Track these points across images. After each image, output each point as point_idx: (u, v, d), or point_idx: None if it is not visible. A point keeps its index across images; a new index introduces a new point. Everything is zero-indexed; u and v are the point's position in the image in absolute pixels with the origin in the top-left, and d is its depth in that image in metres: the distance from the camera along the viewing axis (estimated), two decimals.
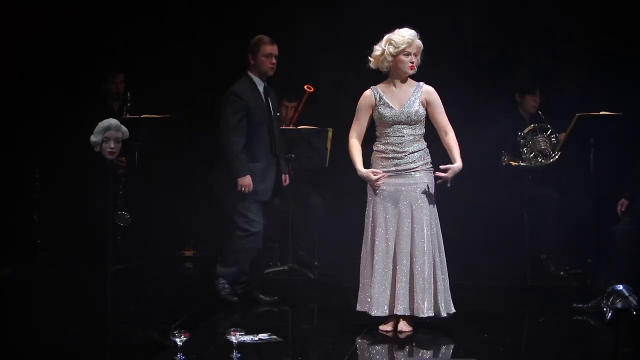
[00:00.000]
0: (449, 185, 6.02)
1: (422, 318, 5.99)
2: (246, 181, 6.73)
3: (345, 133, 6.22)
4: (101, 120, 5.72)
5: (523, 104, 8.22)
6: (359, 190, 6.28)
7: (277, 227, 7.99)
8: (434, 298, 6.00)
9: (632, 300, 6.37)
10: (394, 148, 6.05)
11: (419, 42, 6.03)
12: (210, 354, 5.61)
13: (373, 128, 6.17)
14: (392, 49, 5.99)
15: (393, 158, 6.05)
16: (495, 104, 8.18)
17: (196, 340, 5.59)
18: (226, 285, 6.87)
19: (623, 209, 6.85)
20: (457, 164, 6.01)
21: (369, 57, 6.08)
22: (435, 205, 6.09)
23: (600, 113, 7.16)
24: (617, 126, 7.06)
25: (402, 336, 6.02)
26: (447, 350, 5.90)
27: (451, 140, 6.08)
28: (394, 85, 6.10)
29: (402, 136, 6.05)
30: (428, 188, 6.05)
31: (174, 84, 8.77)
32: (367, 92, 6.13)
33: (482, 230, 8.34)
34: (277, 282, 7.60)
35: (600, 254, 6.79)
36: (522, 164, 8.00)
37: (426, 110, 6.09)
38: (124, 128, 5.73)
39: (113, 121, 5.71)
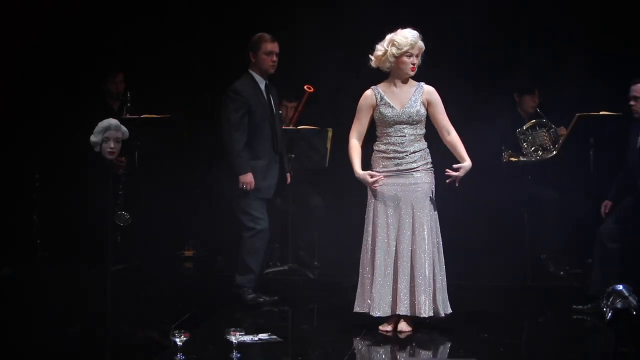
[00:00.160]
0: (457, 184, 6.02)
1: (422, 318, 5.99)
2: (248, 178, 6.73)
3: (345, 133, 6.22)
4: (101, 120, 5.71)
5: (522, 104, 8.22)
6: (359, 190, 6.28)
7: (277, 227, 7.98)
8: (432, 298, 6.01)
9: (632, 300, 6.39)
10: (395, 148, 6.05)
11: (421, 44, 6.03)
12: (210, 354, 5.61)
13: (373, 128, 6.16)
14: (394, 50, 5.99)
15: (394, 158, 6.05)
16: (495, 104, 8.18)
17: (196, 340, 5.59)
18: (249, 291, 6.83)
19: (607, 210, 6.86)
20: (468, 162, 6.03)
21: (370, 56, 6.08)
22: (435, 206, 6.09)
23: (600, 113, 7.17)
24: (617, 126, 7.06)
25: (402, 336, 6.02)
26: (447, 350, 5.90)
27: (455, 139, 6.09)
28: (395, 85, 6.11)
29: (403, 136, 6.05)
30: (429, 188, 6.06)
31: (174, 84, 8.77)
32: (368, 92, 6.13)
33: (482, 230, 8.34)
34: (277, 282, 7.60)
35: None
36: (522, 159, 7.99)
37: (427, 110, 6.10)
38: (124, 128, 5.72)
39: (113, 121, 5.71)
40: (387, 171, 6.06)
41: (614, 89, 7.08)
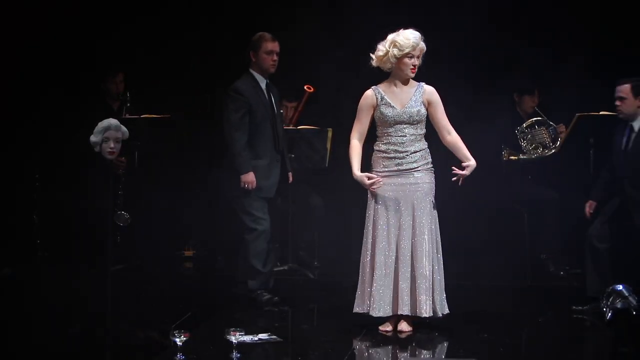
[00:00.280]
0: (460, 184, 6.02)
1: (422, 318, 5.99)
2: (249, 178, 6.72)
3: (345, 133, 6.22)
4: (101, 120, 5.72)
5: (521, 104, 8.22)
6: (359, 190, 6.27)
7: (277, 227, 7.98)
8: (431, 298, 6.01)
9: (632, 300, 6.39)
10: (396, 148, 6.05)
11: (422, 45, 6.03)
12: (210, 354, 5.61)
13: (373, 128, 6.16)
14: (396, 51, 5.98)
15: (395, 158, 6.05)
16: (495, 104, 8.18)
17: (196, 340, 5.59)
18: (264, 293, 6.82)
19: (591, 210, 6.86)
20: (474, 161, 6.03)
21: (372, 55, 6.07)
22: (435, 206, 6.09)
23: (600, 113, 7.16)
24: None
25: (402, 336, 6.02)
26: (447, 350, 5.89)
27: (456, 139, 6.10)
28: (395, 85, 6.10)
29: (404, 136, 6.05)
30: (429, 188, 6.06)
31: (174, 84, 8.77)
32: (369, 92, 6.13)
33: (482, 230, 8.34)
34: (277, 282, 7.57)
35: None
36: (522, 157, 7.99)
37: (427, 110, 6.09)
38: (123, 128, 5.72)
39: (113, 121, 5.71)
40: (387, 171, 6.06)
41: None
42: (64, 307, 6.67)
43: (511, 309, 6.89)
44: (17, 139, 8.33)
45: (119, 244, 8.00)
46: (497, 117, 8.07)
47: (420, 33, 6.02)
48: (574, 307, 6.70)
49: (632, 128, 6.67)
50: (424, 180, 6.06)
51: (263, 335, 5.92)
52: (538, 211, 7.99)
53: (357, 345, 5.95)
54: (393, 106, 6.05)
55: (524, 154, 7.99)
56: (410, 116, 6.03)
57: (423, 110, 6.08)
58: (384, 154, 6.08)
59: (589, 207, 6.89)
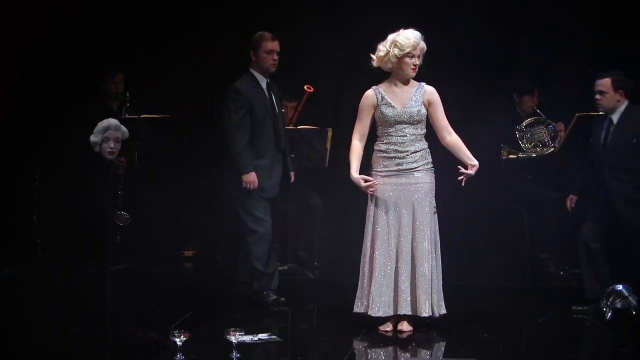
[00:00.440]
0: (463, 184, 6.02)
1: (422, 318, 5.99)
2: (251, 178, 6.71)
3: (346, 133, 6.22)
4: (101, 120, 5.72)
5: (521, 104, 8.23)
6: (359, 191, 6.26)
7: (277, 227, 7.98)
8: (430, 298, 6.01)
9: (632, 300, 6.39)
10: (396, 147, 6.05)
11: (423, 45, 6.03)
12: (210, 354, 5.61)
13: (373, 128, 6.16)
14: (397, 51, 5.98)
15: (395, 157, 6.05)
16: (495, 104, 8.18)
17: (196, 340, 5.59)
18: (270, 294, 6.80)
19: (572, 205, 6.87)
20: (477, 161, 6.03)
21: (372, 56, 6.07)
22: (435, 206, 6.09)
23: (600, 113, 7.16)
24: None
25: (402, 336, 6.02)
26: (447, 350, 5.89)
27: (457, 140, 6.10)
28: (396, 85, 6.11)
29: (404, 136, 6.05)
30: (429, 188, 6.06)
31: (174, 84, 8.77)
32: (369, 92, 6.13)
33: (482, 230, 8.34)
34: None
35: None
36: (521, 155, 7.99)
37: (427, 110, 6.10)
38: (123, 128, 5.73)
39: (113, 121, 5.71)
40: (387, 171, 6.06)
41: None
42: (64, 307, 6.67)
43: (511, 309, 6.89)
44: (17, 139, 8.34)
45: (119, 244, 8.00)
46: (497, 117, 8.07)
47: (421, 33, 6.03)
48: (574, 307, 6.70)
49: (611, 121, 6.67)
50: (424, 180, 6.06)
51: (263, 335, 5.92)
52: (538, 211, 8.00)
53: (357, 345, 5.95)
54: (393, 106, 6.05)
55: (523, 152, 7.99)
56: (411, 116, 6.03)
57: (423, 110, 6.08)
58: (384, 154, 6.08)
59: (570, 202, 6.91)
